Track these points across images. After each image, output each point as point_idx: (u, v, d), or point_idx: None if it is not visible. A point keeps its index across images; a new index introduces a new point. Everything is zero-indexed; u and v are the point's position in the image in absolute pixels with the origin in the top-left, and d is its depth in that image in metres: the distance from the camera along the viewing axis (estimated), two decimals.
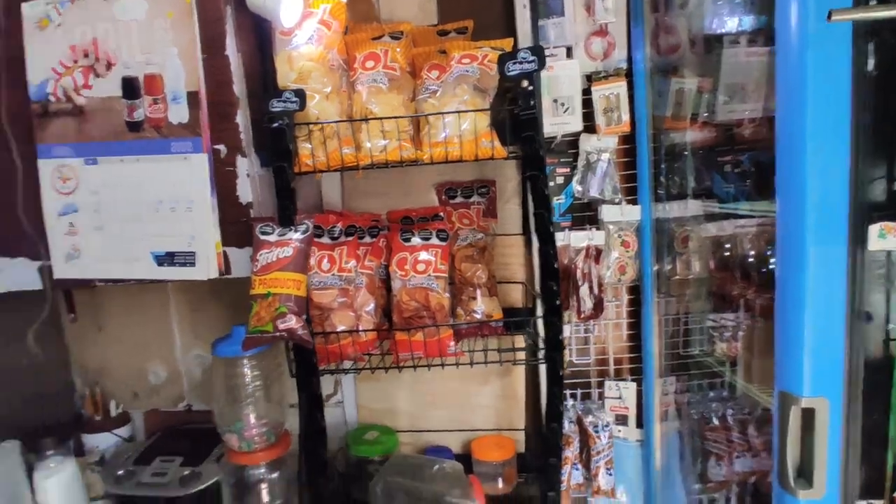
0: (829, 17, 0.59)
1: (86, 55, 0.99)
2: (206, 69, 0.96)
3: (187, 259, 1.00)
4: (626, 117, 1.23)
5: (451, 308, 1.08)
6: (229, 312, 1.36)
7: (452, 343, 1.04)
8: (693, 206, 1.21)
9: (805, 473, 0.69)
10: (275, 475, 1.14)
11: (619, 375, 1.37)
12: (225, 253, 1.01)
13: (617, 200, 1.26)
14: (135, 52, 0.97)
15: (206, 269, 0.99)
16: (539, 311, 1.11)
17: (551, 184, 1.29)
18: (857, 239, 0.68)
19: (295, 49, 1.00)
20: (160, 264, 1.01)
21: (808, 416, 0.68)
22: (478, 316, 1.12)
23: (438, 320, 1.03)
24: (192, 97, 0.96)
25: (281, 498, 1.15)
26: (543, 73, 1.01)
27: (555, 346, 0.99)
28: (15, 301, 1.09)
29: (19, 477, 1.11)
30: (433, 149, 0.96)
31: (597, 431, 1.28)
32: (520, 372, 1.33)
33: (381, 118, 0.97)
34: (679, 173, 1.24)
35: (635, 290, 1.33)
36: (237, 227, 1.01)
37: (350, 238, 1.10)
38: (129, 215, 1.01)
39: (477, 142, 0.96)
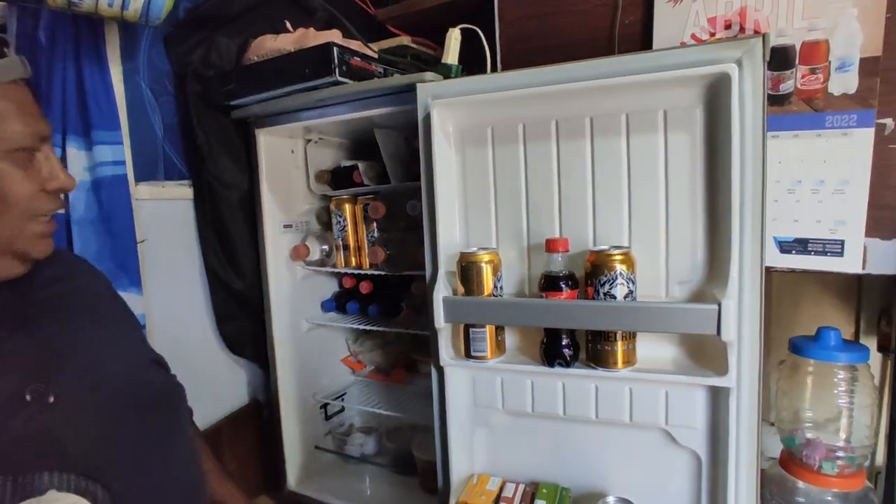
0: None
1: (727, 27, 0.96)
2: (887, 31, 0.86)
3: (829, 248, 0.92)
4: None
5: None
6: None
7: None
8: None
9: None
10: None
11: None
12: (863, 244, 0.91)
13: None
14: (794, 18, 0.91)
15: (854, 260, 0.90)
16: None
17: None
18: None
19: None
20: (785, 251, 0.95)
21: None
22: None
23: None
24: (868, 64, 0.87)
25: None
26: None
27: None
28: None
29: None
30: None
31: None
32: None
33: None
34: None
35: None
36: (888, 213, 0.90)
37: None
38: None
39: None
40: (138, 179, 1.24)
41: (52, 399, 0.58)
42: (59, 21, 1.06)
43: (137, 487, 0.63)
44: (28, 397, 0.57)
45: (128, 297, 1.13)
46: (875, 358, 1.13)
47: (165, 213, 1.31)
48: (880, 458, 1.09)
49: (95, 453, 0.60)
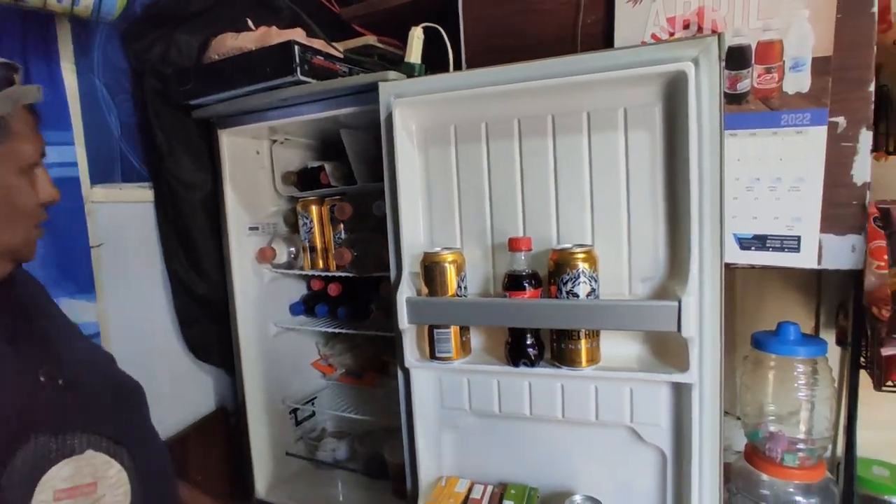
0: None
1: (686, 26, 0.98)
2: (838, 31, 0.89)
3: (786, 244, 0.95)
4: None
5: None
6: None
7: None
8: None
9: None
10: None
11: None
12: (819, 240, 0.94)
13: None
14: (749, 18, 0.94)
15: (810, 256, 0.93)
16: None
17: None
18: None
19: None
20: (745, 248, 0.98)
21: None
22: None
23: None
24: (820, 63, 0.90)
25: None
26: None
27: None
28: None
29: None
30: None
31: None
32: None
33: None
34: None
35: None
36: (842, 210, 0.92)
37: None
38: None
39: None
40: (94, 181, 1.20)
41: (61, 382, 0.64)
42: (7, 17, 1.02)
43: (144, 458, 0.69)
44: (42, 378, 0.63)
45: (77, 304, 1.10)
46: (834, 351, 1.15)
47: (124, 217, 1.27)
48: (840, 449, 1.12)
49: (112, 425, 0.67)
